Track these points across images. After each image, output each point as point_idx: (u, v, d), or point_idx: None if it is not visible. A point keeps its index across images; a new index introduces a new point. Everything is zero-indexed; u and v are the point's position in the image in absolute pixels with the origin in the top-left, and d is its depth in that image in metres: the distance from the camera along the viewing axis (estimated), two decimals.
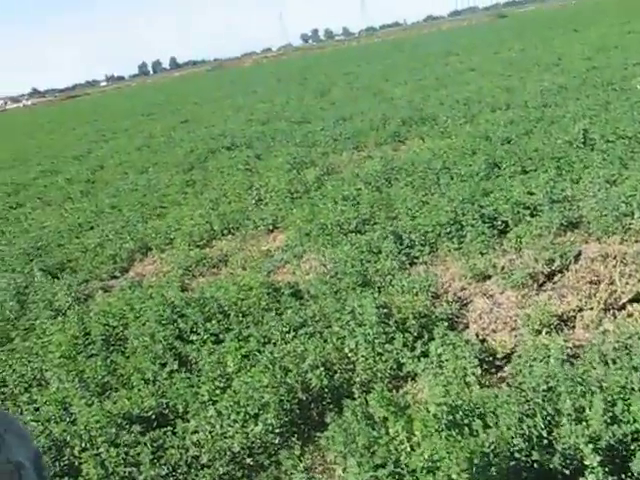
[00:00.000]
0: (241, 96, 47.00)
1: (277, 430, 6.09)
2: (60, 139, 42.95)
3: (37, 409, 7.46)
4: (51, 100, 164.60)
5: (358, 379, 6.84)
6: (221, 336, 8.11)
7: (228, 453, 5.94)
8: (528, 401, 5.38)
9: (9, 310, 11.03)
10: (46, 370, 8.42)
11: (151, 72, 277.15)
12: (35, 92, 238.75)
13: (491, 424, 4.95)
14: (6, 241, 16.53)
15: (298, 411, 6.40)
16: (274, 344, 7.58)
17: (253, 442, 6.02)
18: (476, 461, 4.46)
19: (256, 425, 6.01)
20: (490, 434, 4.70)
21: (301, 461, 5.75)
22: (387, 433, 5.36)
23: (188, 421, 6.50)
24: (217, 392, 6.71)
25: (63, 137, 44.26)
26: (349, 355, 7.06)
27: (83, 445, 6.34)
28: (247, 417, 6.13)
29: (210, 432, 6.11)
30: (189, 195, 17.29)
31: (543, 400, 5.41)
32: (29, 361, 8.83)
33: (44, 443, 6.43)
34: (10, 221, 19.43)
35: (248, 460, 6.06)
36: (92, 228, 16.18)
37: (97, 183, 22.75)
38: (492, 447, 4.66)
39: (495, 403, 5.25)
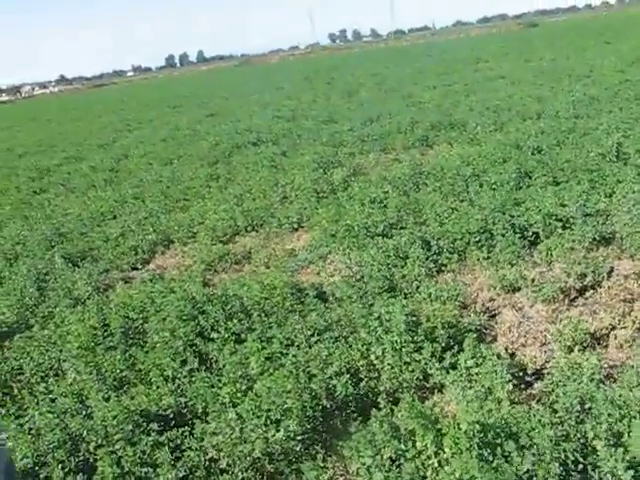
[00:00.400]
0: (268, 92, 46.91)
1: (299, 437, 5.91)
2: (86, 127, 43.04)
3: (53, 400, 7.34)
4: (78, 88, 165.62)
5: (383, 388, 6.67)
6: (243, 335, 7.94)
7: (248, 458, 5.77)
8: (562, 422, 5.19)
9: (29, 297, 10.94)
10: (64, 360, 8.31)
11: (178, 65, 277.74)
12: (63, 79, 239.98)
13: (525, 445, 4.76)
14: (29, 226, 16.46)
15: (321, 418, 6.23)
16: (298, 347, 7.41)
17: (274, 448, 5.84)
18: None
19: (278, 431, 5.84)
20: (526, 458, 4.50)
21: (324, 471, 5.58)
22: (414, 446, 5.19)
23: (208, 422, 6.34)
24: (238, 394, 6.55)
25: (89, 125, 44.36)
26: (375, 363, 6.88)
27: (99, 441, 6.20)
28: (269, 422, 5.96)
29: (230, 435, 5.94)
30: (213, 189, 17.18)
31: (577, 422, 5.22)
32: (47, 350, 8.71)
33: (59, 437, 6.29)
34: (33, 206, 19.40)
35: (268, 467, 5.90)
36: (115, 217, 16.14)
37: (121, 172, 22.74)
38: (527, 471, 4.46)
39: (529, 423, 5.05)
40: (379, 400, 6.02)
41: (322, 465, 5.70)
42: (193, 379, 7.08)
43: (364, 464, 5.17)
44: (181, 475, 5.64)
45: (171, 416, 6.69)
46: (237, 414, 6.12)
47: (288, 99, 38.60)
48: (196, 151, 23.44)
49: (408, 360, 6.67)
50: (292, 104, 34.98)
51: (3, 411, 7.48)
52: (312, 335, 7.61)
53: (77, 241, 14.37)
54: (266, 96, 43.61)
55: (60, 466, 5.85)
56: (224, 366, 7.21)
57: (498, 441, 4.77)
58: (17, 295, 11.03)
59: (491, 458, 4.58)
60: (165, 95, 67.86)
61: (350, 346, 7.26)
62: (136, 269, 12.47)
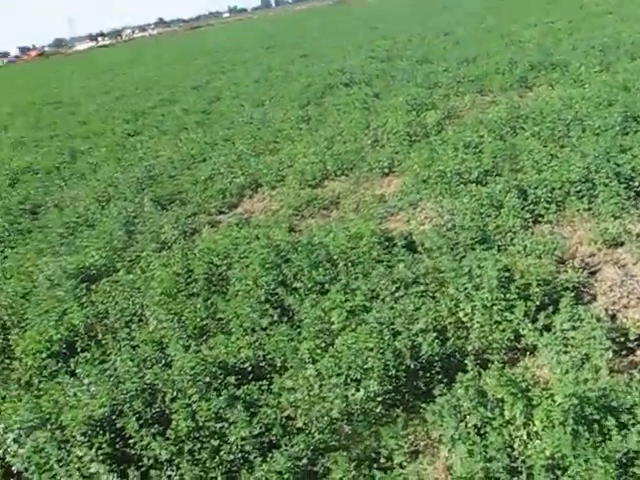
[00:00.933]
0: (362, 32, 45.88)
1: (380, 398, 5.63)
2: (181, 69, 43.29)
3: (134, 347, 7.29)
4: (175, 30, 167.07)
5: (472, 348, 6.28)
6: (327, 286, 7.67)
7: (325, 418, 5.53)
8: None
9: (117, 240, 10.97)
10: (146, 306, 8.25)
11: (273, 5, 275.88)
12: (161, 22, 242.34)
13: (626, 423, 4.32)
14: (121, 169, 16.61)
15: (404, 379, 5.91)
16: (383, 301, 7.07)
17: (353, 409, 5.58)
18: (609, 469, 3.87)
19: (358, 390, 5.57)
20: (629, 438, 4.07)
21: (404, 438, 5.28)
22: (502, 415, 4.83)
23: (286, 378, 6.14)
24: (318, 350, 6.31)
25: (184, 67, 44.58)
26: (464, 320, 6.48)
27: (175, 394, 6.08)
28: (349, 381, 5.70)
29: (308, 393, 5.72)
30: (303, 131, 16.87)
31: None
32: (131, 295, 8.69)
33: (137, 386, 6.21)
34: (127, 149, 19.59)
35: (346, 428, 5.64)
36: (204, 160, 16.05)
37: (213, 114, 22.66)
38: (627, 453, 4.04)
39: (631, 397, 4.59)
40: (466, 362, 5.63)
41: (402, 431, 5.40)
42: (273, 332, 6.87)
43: (447, 432, 4.85)
44: (256, 432, 5.46)
45: (249, 369, 6.52)
46: (316, 371, 5.89)
47: (383, 39, 37.53)
48: (288, 92, 23.11)
49: (499, 319, 6.25)
50: (386, 44, 33.99)
51: (88, 355, 7.50)
52: (398, 288, 7.26)
53: (167, 184, 14.40)
54: (360, 36, 42.65)
55: (135, 417, 5.75)
56: (305, 319, 6.97)
57: (596, 417, 4.35)
58: (106, 238, 11.09)
59: (587, 435, 4.17)
60: (259, 36, 67.50)
61: (438, 301, 6.90)
62: (223, 213, 12.34)
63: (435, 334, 6.15)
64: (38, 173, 18.35)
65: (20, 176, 18.31)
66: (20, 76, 77.95)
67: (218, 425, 5.53)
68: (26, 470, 5.88)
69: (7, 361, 8.09)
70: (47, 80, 59.38)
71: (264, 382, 6.16)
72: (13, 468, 6.00)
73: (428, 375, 6.01)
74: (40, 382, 7.38)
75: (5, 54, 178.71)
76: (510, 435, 4.65)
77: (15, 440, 6.04)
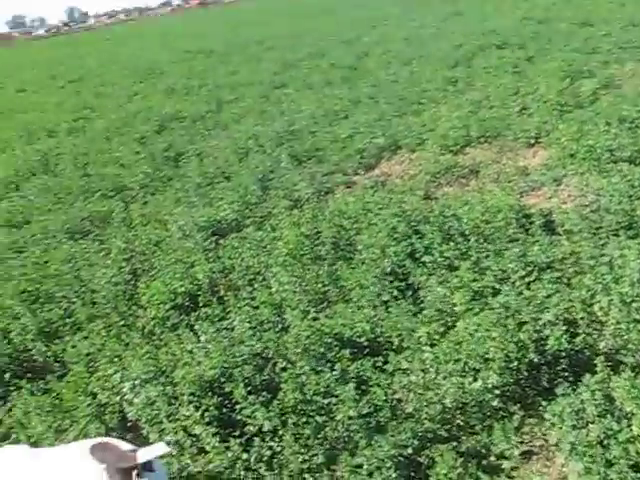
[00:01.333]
0: None
1: (498, 391, 5.29)
2: (333, 21, 42.94)
3: (254, 308, 7.26)
4: None
5: (604, 345, 5.81)
6: (456, 262, 7.33)
7: (437, 406, 5.27)
8: None
9: (250, 194, 10.97)
10: (270, 266, 8.18)
11: None
12: None
13: None
14: (263, 121, 16.66)
15: (526, 373, 5.54)
16: (513, 284, 6.67)
17: (468, 399, 5.28)
18: None
19: (475, 380, 5.27)
20: None
21: (517, 442, 4.93)
22: (629, 428, 4.41)
23: (402, 359, 5.90)
24: (436, 336, 6.02)
25: (337, 19, 44.21)
26: (598, 315, 5.99)
27: (286, 363, 5.98)
28: (466, 369, 5.39)
29: (423, 377, 5.47)
30: (449, 94, 16.31)
31: None
32: (257, 254, 8.66)
33: (250, 350, 6.15)
34: (271, 101, 19.65)
35: (459, 419, 5.36)
36: (346, 117, 15.84)
37: (359, 70, 22.31)
38: None
39: None
40: (596, 362, 5.19)
41: (517, 430, 5.06)
42: (393, 309, 6.61)
43: (566, 437, 4.48)
44: (364, 412, 5.27)
45: (365, 344, 6.32)
46: (433, 354, 5.62)
47: None
48: (437, 52, 22.38)
49: (638, 318, 5.71)
50: (546, 3, 32.26)
51: (209, 312, 7.54)
52: (531, 272, 6.81)
53: (306, 140, 14.27)
54: None
55: (244, 383, 5.68)
56: (428, 294, 6.70)
57: None
58: (240, 192, 11.12)
59: None
60: None
61: (572, 289, 6.42)
62: (359, 174, 12.09)
63: (565, 327, 5.72)
64: (184, 121, 18.76)
65: (167, 123, 18.78)
66: (180, 25, 79.96)
67: (326, 400, 5.39)
68: (138, 420, 5.99)
69: (134, 308, 8.24)
70: (202, 29, 60.67)
71: (379, 359, 5.95)
72: (129, 416, 6.12)
73: (552, 372, 5.61)
74: (162, 333, 7.50)
75: (168, 3, 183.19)
76: (637, 452, 4.24)
77: (131, 390, 6.14)
